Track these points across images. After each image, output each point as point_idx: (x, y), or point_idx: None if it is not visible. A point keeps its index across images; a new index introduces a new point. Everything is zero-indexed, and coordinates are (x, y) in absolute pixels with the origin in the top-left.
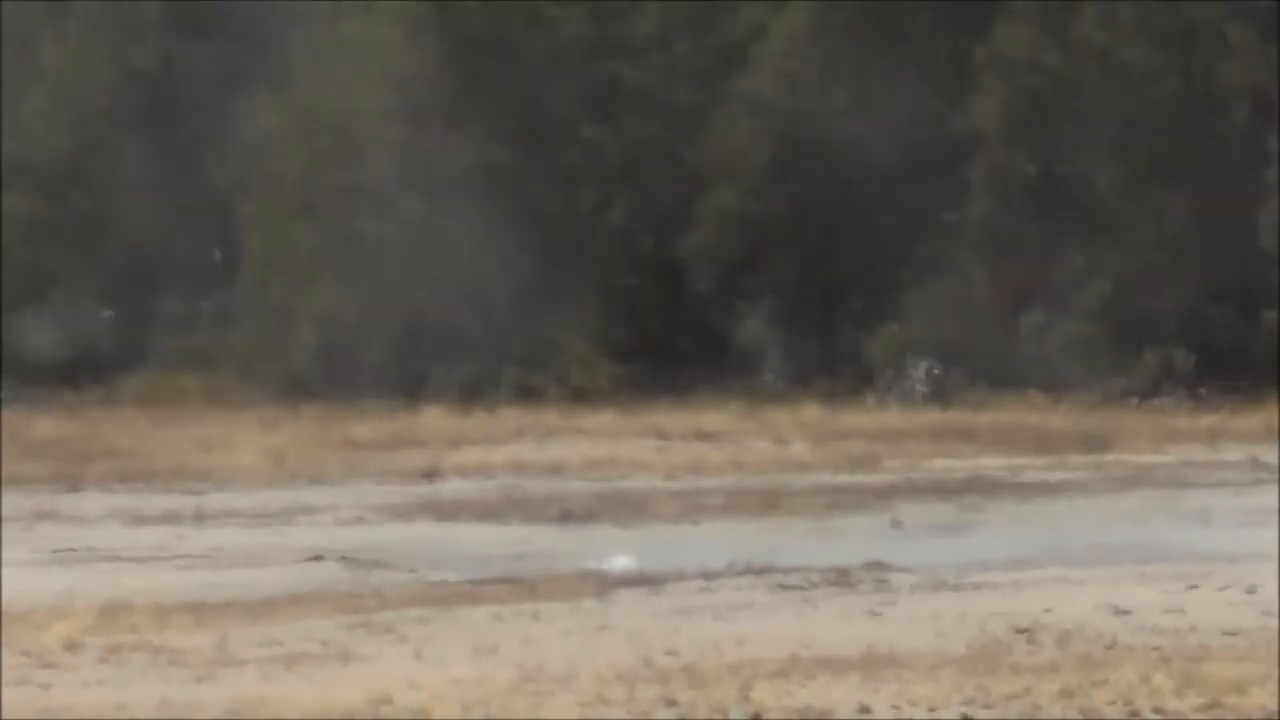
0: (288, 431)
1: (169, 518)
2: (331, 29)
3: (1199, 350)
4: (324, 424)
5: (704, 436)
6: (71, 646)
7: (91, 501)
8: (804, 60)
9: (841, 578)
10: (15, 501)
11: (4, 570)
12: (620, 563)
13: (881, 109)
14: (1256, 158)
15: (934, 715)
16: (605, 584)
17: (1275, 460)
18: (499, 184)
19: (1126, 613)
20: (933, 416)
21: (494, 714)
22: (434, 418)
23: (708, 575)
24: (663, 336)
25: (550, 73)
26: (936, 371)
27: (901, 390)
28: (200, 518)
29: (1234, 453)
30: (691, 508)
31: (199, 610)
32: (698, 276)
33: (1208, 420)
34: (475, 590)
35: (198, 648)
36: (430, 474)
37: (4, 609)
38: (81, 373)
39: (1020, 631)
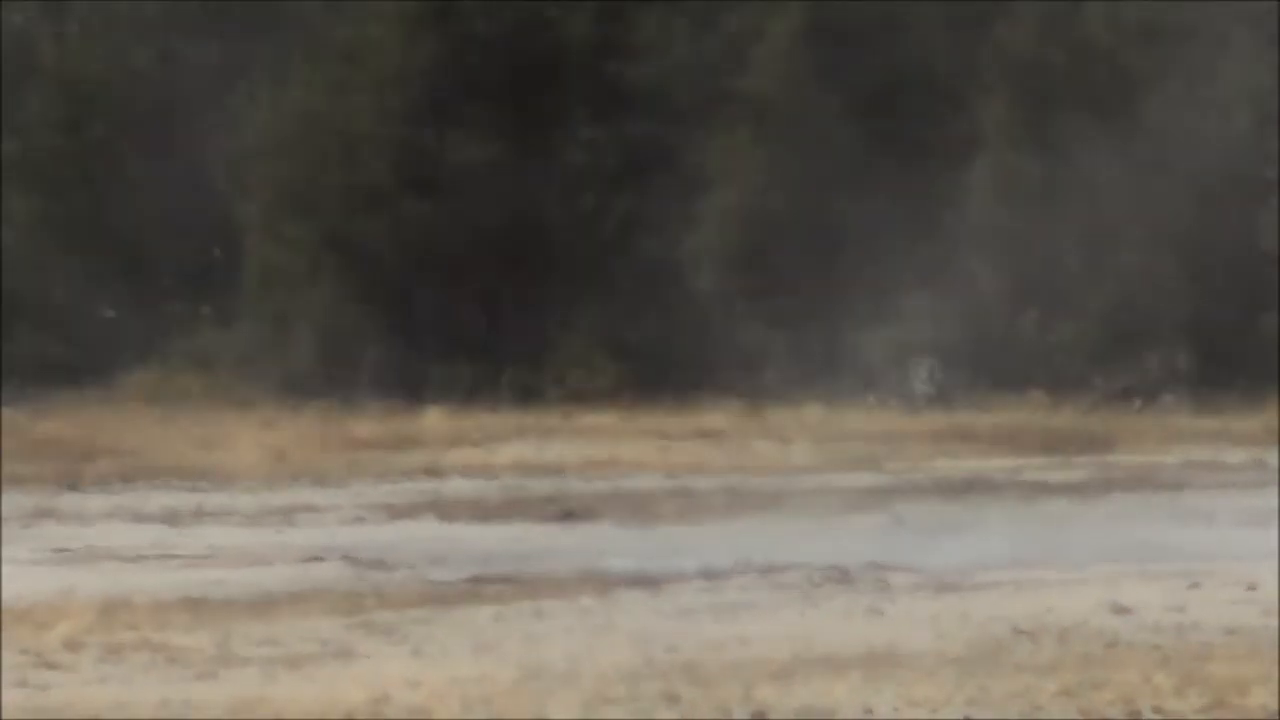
0: (288, 431)
1: (170, 516)
2: (330, 28)
3: (1200, 350)
4: (325, 423)
5: (705, 436)
6: (71, 645)
7: (92, 500)
8: (804, 60)
9: (843, 577)
10: (15, 500)
11: (4, 569)
12: (625, 558)
13: (882, 109)
14: (1257, 158)
15: (935, 715)
16: (607, 583)
17: (1276, 461)
18: (499, 184)
19: (1128, 612)
20: (934, 417)
21: (495, 713)
22: (435, 417)
23: (709, 575)
24: (663, 336)
25: (550, 73)
26: (938, 372)
27: (903, 391)
28: (201, 516)
29: (1235, 453)
30: (693, 507)
31: (199, 609)
32: (698, 276)
33: (1209, 421)
34: (476, 589)
35: (198, 647)
36: (431, 473)
37: (4, 608)
38: (82, 372)
39: (1021, 631)
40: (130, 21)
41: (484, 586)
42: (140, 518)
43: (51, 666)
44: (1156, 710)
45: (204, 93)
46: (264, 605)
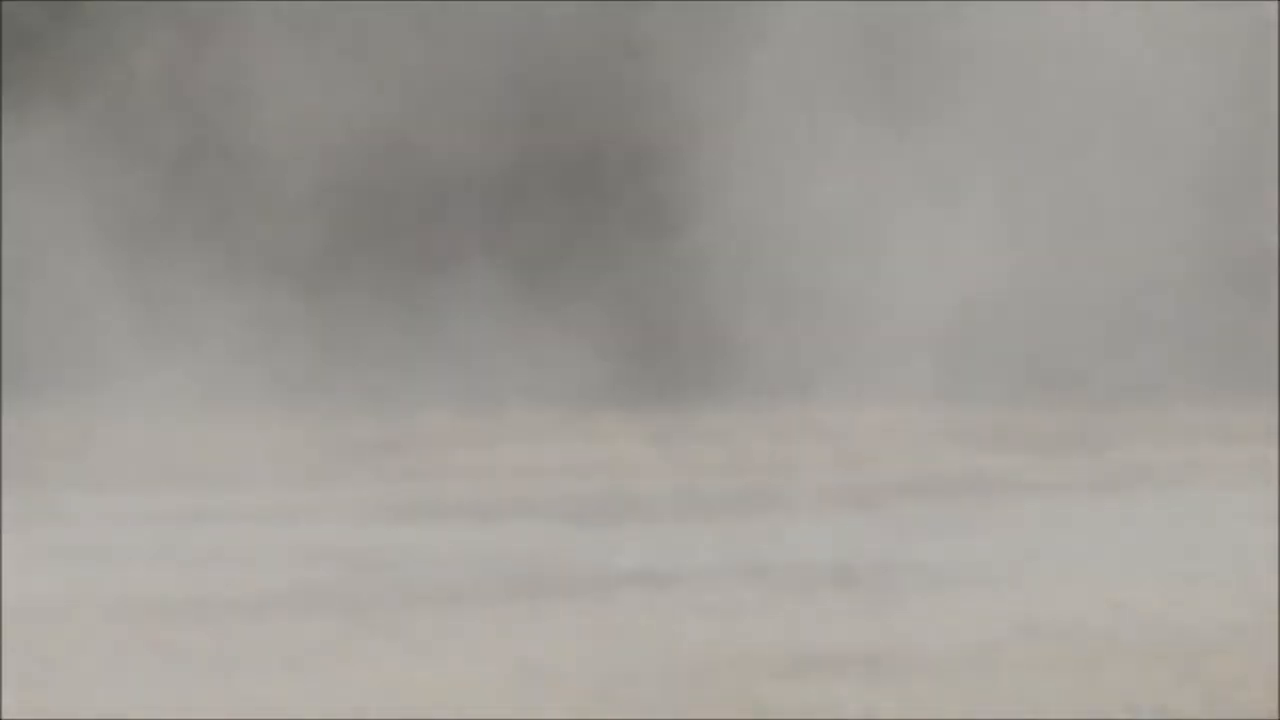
0: (289, 431)
1: (170, 517)
2: (331, 26)
3: (1200, 347)
4: (325, 423)
5: (705, 435)
6: (72, 646)
7: (92, 500)
8: (803, 60)
9: (842, 576)
10: (15, 500)
11: (4, 569)
12: (626, 559)
13: (881, 107)
14: (1257, 156)
15: (933, 714)
16: (606, 583)
17: (1276, 459)
18: (499, 182)
19: (1127, 610)
20: (933, 415)
21: (495, 713)
22: (436, 417)
23: (709, 574)
24: (664, 335)
25: (551, 72)
26: (937, 369)
27: (902, 388)
28: (201, 517)
29: (1235, 451)
30: (692, 506)
31: (200, 610)
32: (698, 274)
33: (1209, 418)
34: (476, 589)
35: (198, 647)
36: (432, 473)
37: (3, 608)
38: (83, 371)
39: (1020, 630)
40: (133, 21)
41: (484, 586)
42: (141, 518)
43: (52, 668)
44: (1156, 708)
45: (208, 91)
46: (264, 606)
